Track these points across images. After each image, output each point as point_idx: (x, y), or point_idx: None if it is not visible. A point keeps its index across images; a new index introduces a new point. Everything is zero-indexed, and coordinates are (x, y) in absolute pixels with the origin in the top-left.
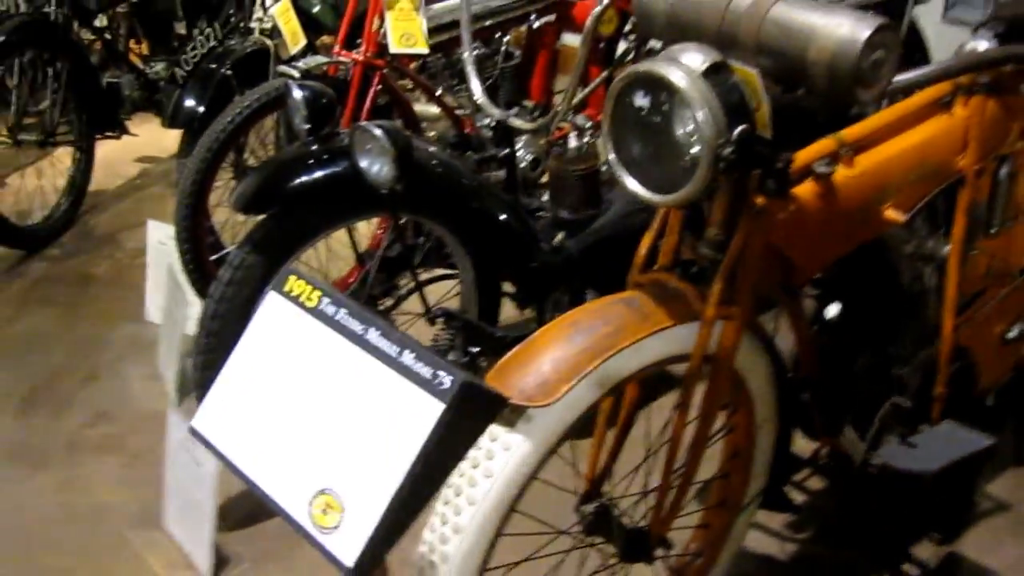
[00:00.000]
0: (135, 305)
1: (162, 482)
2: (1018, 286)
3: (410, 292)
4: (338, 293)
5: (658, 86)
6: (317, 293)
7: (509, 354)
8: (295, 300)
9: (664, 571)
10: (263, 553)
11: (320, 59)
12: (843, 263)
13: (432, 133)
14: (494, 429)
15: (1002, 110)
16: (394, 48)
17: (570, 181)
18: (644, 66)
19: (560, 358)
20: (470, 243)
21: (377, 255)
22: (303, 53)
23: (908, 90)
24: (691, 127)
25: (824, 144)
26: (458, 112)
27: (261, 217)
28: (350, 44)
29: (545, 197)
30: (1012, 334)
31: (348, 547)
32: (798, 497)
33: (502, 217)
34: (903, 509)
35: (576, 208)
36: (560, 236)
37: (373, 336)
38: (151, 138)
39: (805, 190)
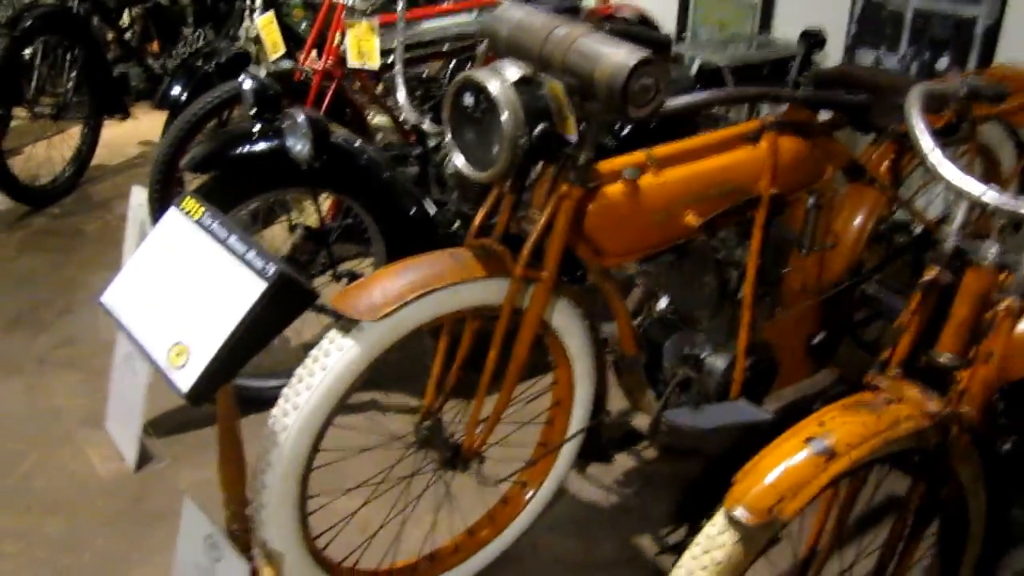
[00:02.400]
0: (114, 256)
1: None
2: (824, 300)
3: (328, 263)
4: (217, 211)
5: (480, 89)
6: (202, 210)
7: (355, 282)
8: (186, 214)
9: (497, 499)
10: (180, 454)
11: (285, 64)
12: (669, 267)
13: (380, 138)
14: (332, 334)
15: (805, 149)
16: (351, 62)
17: (469, 181)
18: (471, 73)
19: (389, 287)
20: (381, 221)
21: (301, 225)
22: (281, 60)
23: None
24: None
25: (635, 156)
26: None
27: (206, 177)
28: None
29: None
30: (816, 340)
31: (186, 380)
32: (631, 461)
33: (406, 202)
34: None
35: (475, 203)
36: (457, 225)
37: (231, 240)
38: (153, 125)
39: (614, 189)
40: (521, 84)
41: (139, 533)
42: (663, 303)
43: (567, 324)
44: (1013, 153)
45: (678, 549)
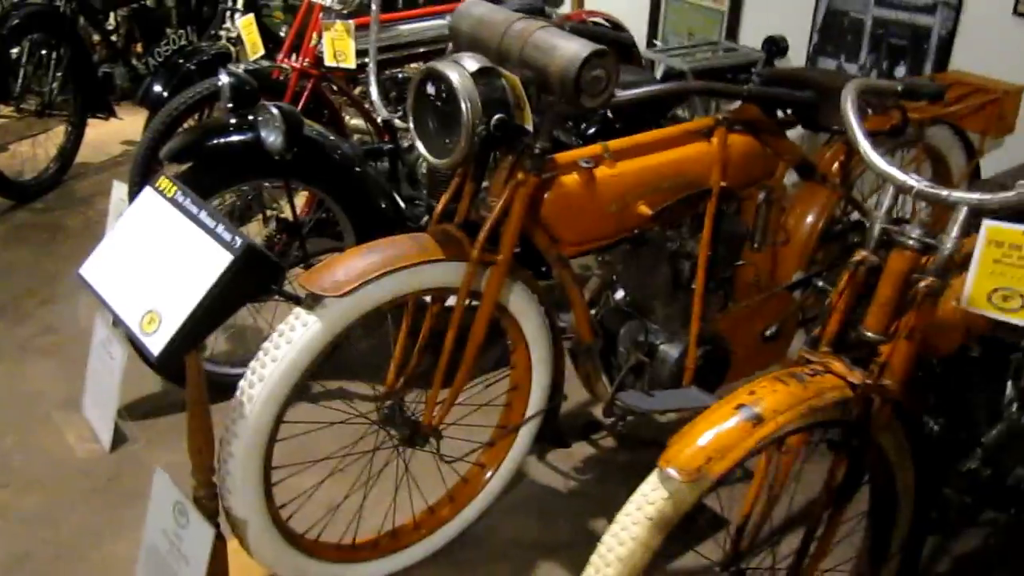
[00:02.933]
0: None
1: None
2: (779, 294)
3: (301, 256)
4: (188, 190)
5: (441, 79)
6: (175, 189)
7: (322, 261)
8: (161, 192)
9: (458, 479)
10: (154, 437)
11: (264, 63)
12: (625, 258)
13: (356, 139)
14: (298, 310)
15: (755, 146)
16: (328, 62)
17: (439, 177)
18: (433, 64)
19: (352, 266)
20: (352, 214)
21: (275, 217)
22: (261, 61)
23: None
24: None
25: (592, 148)
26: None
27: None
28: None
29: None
30: (769, 332)
31: (157, 345)
32: (591, 449)
33: (377, 196)
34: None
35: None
36: (426, 219)
37: (202, 216)
38: (136, 125)
39: (569, 179)
40: (480, 75)
41: (113, 509)
42: (619, 293)
43: (523, 308)
44: (962, 156)
45: None
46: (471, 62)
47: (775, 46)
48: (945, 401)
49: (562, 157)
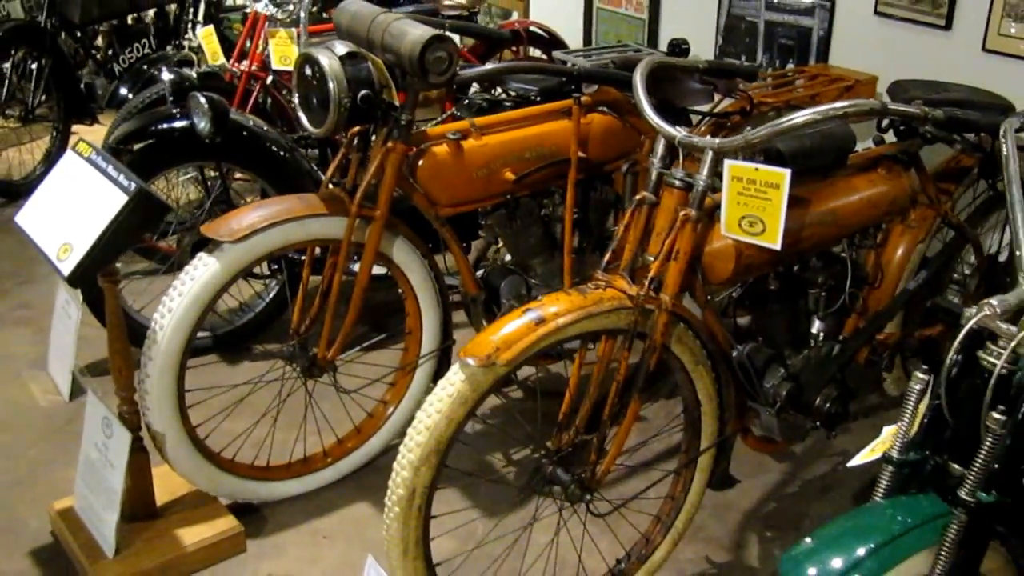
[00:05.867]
0: None
1: None
2: None
3: None
4: (101, 151)
5: (314, 63)
6: (91, 150)
7: (229, 213)
8: (79, 153)
9: (364, 415)
10: (108, 390)
11: (215, 67)
12: (504, 221)
13: None
14: (201, 254)
15: (615, 123)
16: (275, 65)
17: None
18: (307, 50)
19: (247, 217)
20: (279, 192)
21: (214, 193)
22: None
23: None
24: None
25: (460, 123)
26: None
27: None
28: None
29: None
30: None
31: (68, 268)
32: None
33: (304, 178)
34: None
35: None
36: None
37: (108, 168)
38: None
39: (440, 149)
40: (348, 59)
41: (67, 446)
42: (502, 251)
43: (407, 260)
44: None
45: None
46: (340, 47)
47: (677, 47)
48: (754, 327)
49: (433, 131)
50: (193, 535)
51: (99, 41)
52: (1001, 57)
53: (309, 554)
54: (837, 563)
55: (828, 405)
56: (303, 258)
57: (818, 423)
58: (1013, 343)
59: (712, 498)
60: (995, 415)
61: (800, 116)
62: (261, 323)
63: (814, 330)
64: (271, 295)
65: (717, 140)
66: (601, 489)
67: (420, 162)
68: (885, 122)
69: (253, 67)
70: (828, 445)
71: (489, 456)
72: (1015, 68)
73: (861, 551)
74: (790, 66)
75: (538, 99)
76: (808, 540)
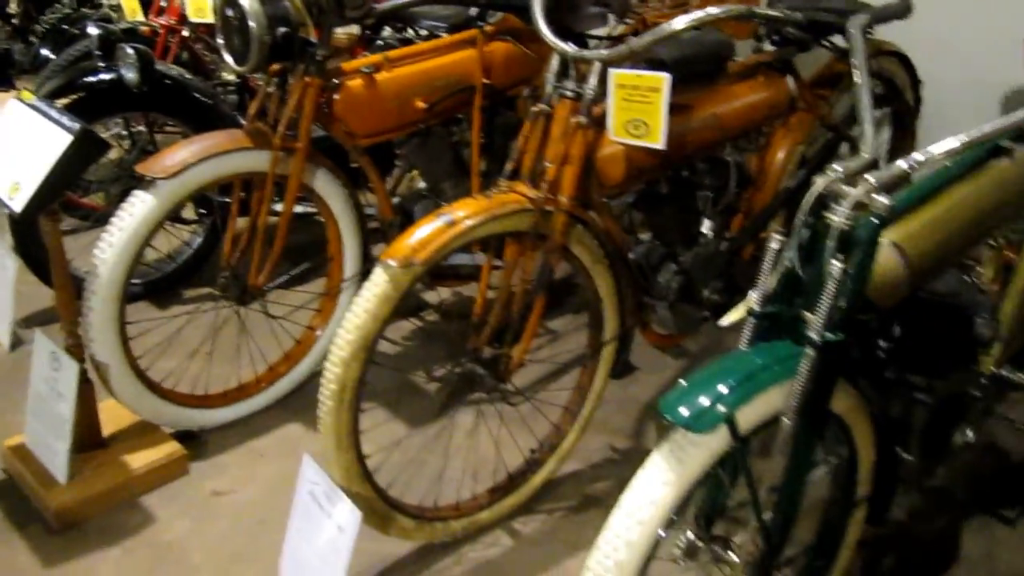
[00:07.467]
0: None
1: None
2: None
3: None
4: (44, 99)
5: (235, 4)
6: (32, 96)
7: (160, 151)
8: (23, 101)
9: (293, 341)
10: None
11: (136, 22)
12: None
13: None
14: (137, 191)
15: (516, 51)
16: (192, 17)
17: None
18: None
19: (177, 155)
20: None
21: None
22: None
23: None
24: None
25: (373, 57)
26: None
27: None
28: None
29: None
30: None
31: (19, 205)
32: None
33: (226, 122)
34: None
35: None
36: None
37: (51, 112)
38: None
39: (354, 82)
40: None
41: (11, 393)
42: (416, 179)
43: (328, 189)
44: (907, 80)
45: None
46: None
47: None
48: (649, 228)
49: (348, 65)
50: (139, 460)
51: (12, 7)
52: None
53: (248, 471)
54: (704, 400)
55: (715, 296)
56: (229, 200)
57: (707, 313)
58: (850, 199)
59: (616, 394)
60: (834, 261)
61: (677, 22)
62: (189, 269)
63: (703, 229)
64: (197, 242)
65: (604, 51)
66: (517, 387)
67: (336, 95)
68: (763, 32)
69: (171, 21)
70: (719, 344)
71: (411, 374)
72: None
73: (724, 388)
74: None
75: None
76: (682, 382)
